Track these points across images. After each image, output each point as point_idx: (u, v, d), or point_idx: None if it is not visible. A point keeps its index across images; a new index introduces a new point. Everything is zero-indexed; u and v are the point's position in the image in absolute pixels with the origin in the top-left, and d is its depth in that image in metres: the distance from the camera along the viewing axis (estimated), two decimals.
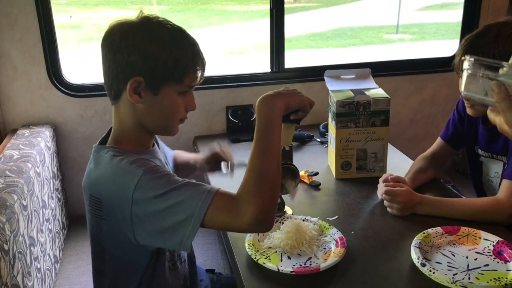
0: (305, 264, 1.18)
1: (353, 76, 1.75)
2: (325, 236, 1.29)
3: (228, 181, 1.62)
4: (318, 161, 1.80)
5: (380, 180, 1.49)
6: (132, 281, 1.14)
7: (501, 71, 0.91)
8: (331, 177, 1.67)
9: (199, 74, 1.10)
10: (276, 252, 1.22)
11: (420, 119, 2.56)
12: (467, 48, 1.32)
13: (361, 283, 1.13)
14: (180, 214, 0.98)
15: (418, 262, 1.14)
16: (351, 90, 1.62)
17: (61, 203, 2.01)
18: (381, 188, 1.46)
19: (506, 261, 1.17)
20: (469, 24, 2.42)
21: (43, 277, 1.55)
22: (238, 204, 0.98)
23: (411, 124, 2.56)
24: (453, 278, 1.10)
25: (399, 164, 1.72)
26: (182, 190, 0.99)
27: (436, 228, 1.28)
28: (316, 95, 2.12)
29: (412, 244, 1.21)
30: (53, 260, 1.73)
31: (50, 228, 1.74)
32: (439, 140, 1.68)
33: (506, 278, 1.11)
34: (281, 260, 1.19)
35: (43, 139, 1.88)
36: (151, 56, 1.04)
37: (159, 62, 1.04)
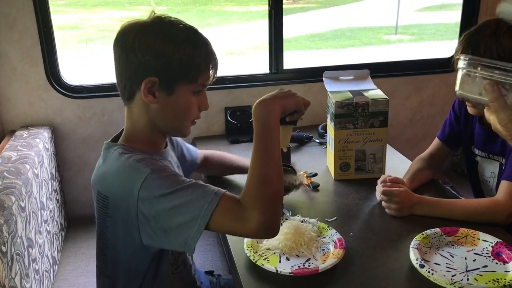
0: (303, 265, 1.17)
1: (351, 77, 1.75)
2: (324, 237, 1.29)
3: (232, 178, 1.62)
4: (317, 162, 1.80)
5: (379, 181, 1.49)
6: (133, 282, 1.14)
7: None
8: (330, 178, 1.67)
9: (212, 72, 1.11)
10: (274, 253, 1.22)
11: (419, 120, 2.56)
12: (466, 43, 1.32)
13: (359, 284, 1.13)
14: (186, 214, 0.97)
15: (417, 263, 1.14)
16: (350, 91, 1.62)
17: (60, 204, 2.01)
18: (379, 189, 1.46)
19: (504, 262, 1.17)
20: (468, 25, 2.42)
21: (41, 279, 1.55)
22: (243, 210, 0.98)
23: (410, 125, 2.56)
24: (451, 279, 1.10)
25: (398, 165, 1.72)
26: (189, 191, 0.99)
27: (434, 229, 1.28)
28: (314, 96, 2.13)
29: (411, 245, 1.21)
30: (51, 262, 1.72)
31: (48, 229, 1.73)
32: (436, 141, 1.68)
33: (505, 279, 1.11)
34: (280, 262, 1.19)
35: (42, 140, 1.88)
36: (165, 55, 1.04)
37: (173, 61, 1.04)
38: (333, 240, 1.26)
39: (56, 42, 2.04)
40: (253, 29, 8.53)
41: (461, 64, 0.97)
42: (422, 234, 1.26)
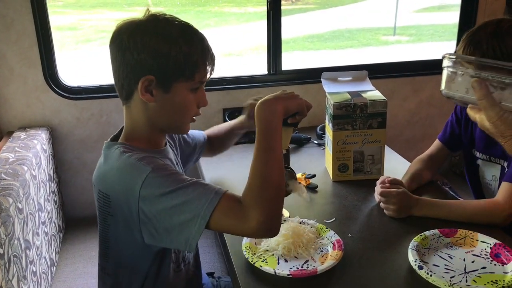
0: (302, 267, 1.17)
1: (350, 78, 1.75)
2: (322, 238, 1.28)
3: (231, 179, 1.62)
4: (315, 163, 1.80)
5: (377, 182, 1.48)
6: (135, 281, 1.14)
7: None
8: (328, 179, 1.67)
9: (209, 69, 1.11)
10: (273, 255, 1.21)
11: (417, 121, 2.56)
12: (468, 41, 1.32)
13: (358, 286, 1.13)
14: (186, 213, 0.97)
15: (416, 264, 1.14)
16: (348, 92, 1.62)
17: (58, 206, 2.00)
18: (378, 190, 1.46)
19: (503, 263, 1.17)
20: (466, 26, 2.42)
21: (39, 281, 1.54)
22: (244, 209, 0.98)
23: (408, 126, 2.56)
24: (450, 280, 1.10)
25: (396, 166, 1.72)
26: (190, 189, 0.99)
27: (433, 230, 1.28)
28: (313, 97, 2.12)
29: (410, 247, 1.21)
30: (49, 263, 1.72)
31: (46, 231, 1.73)
32: (436, 142, 1.68)
33: (504, 280, 1.11)
34: (278, 263, 1.18)
35: (39, 141, 1.87)
36: (160, 53, 1.04)
37: (169, 59, 1.04)
38: (331, 242, 1.25)
39: (54, 43, 2.03)
40: (251, 30, 8.53)
41: (446, 62, 0.96)
42: (421, 235, 1.26)
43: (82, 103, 2.11)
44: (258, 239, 1.27)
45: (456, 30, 2.53)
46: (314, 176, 1.65)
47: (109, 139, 1.16)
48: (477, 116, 0.95)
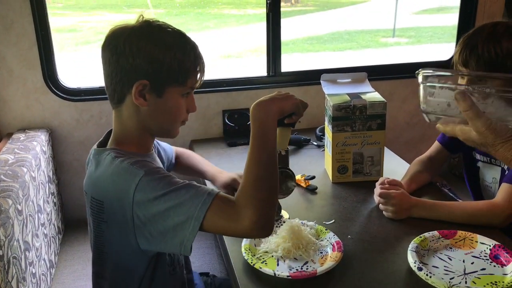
0: (301, 268, 1.17)
1: (349, 80, 1.75)
2: (322, 240, 1.28)
3: None
4: (315, 164, 1.80)
5: (377, 184, 1.49)
6: (131, 285, 1.14)
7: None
8: (328, 181, 1.67)
9: (199, 76, 1.13)
10: (272, 256, 1.21)
11: (416, 123, 2.56)
12: (464, 44, 1.33)
13: (358, 287, 1.13)
14: (180, 215, 0.98)
15: (415, 266, 1.14)
16: (348, 94, 1.62)
17: (57, 207, 2.00)
18: (377, 191, 1.46)
19: (502, 265, 1.17)
20: (465, 28, 2.42)
21: (38, 282, 1.54)
22: (237, 209, 0.99)
23: (407, 128, 2.56)
24: (449, 282, 1.10)
25: (395, 167, 1.72)
26: (183, 191, 1.00)
27: (432, 232, 1.28)
28: (312, 99, 2.13)
29: (409, 248, 1.21)
30: (48, 265, 1.72)
31: (45, 232, 1.73)
32: (436, 144, 1.68)
33: (503, 282, 1.11)
34: (278, 265, 1.18)
35: (39, 143, 1.87)
36: (156, 59, 1.06)
37: (164, 65, 1.06)
38: (331, 243, 1.25)
39: (53, 45, 2.04)
40: (251, 32, 8.54)
41: (421, 78, 0.95)
42: (420, 236, 1.26)
43: (82, 104, 2.11)
44: (258, 240, 1.27)
45: (455, 32, 2.53)
46: (313, 177, 1.65)
47: (96, 146, 1.17)
48: (457, 129, 0.93)
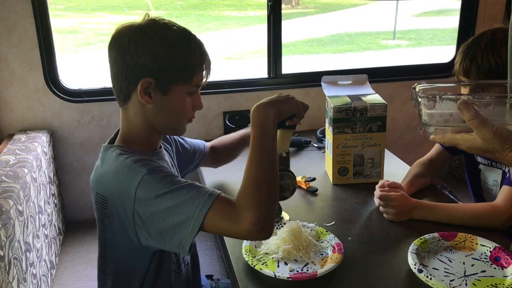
0: (302, 270, 1.17)
1: (350, 81, 1.75)
2: (322, 242, 1.28)
3: (232, 182, 1.62)
4: (315, 166, 1.80)
5: (377, 186, 1.49)
6: (134, 282, 1.14)
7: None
8: (328, 182, 1.67)
9: (205, 73, 1.14)
10: (273, 258, 1.22)
11: (417, 125, 2.55)
12: (464, 54, 1.34)
13: None
14: (180, 215, 0.98)
15: (415, 268, 1.14)
16: (348, 95, 1.62)
17: (58, 208, 2.00)
18: (377, 194, 1.46)
19: (503, 267, 1.17)
20: (466, 30, 2.43)
21: (39, 283, 1.54)
22: (237, 211, 0.99)
23: (408, 130, 2.56)
24: (450, 284, 1.10)
25: (396, 169, 1.72)
26: (184, 191, 1.00)
27: (433, 233, 1.28)
28: (313, 101, 2.13)
29: (409, 250, 1.21)
30: (49, 266, 1.72)
31: (46, 233, 1.73)
32: (437, 146, 1.68)
33: (503, 284, 1.11)
34: (278, 266, 1.19)
35: (40, 144, 1.87)
36: (160, 56, 1.06)
37: (169, 62, 1.07)
38: (331, 245, 1.26)
39: (55, 46, 2.04)
40: (251, 34, 8.54)
41: (420, 93, 0.96)
42: (420, 238, 1.26)
43: (83, 105, 2.11)
44: (258, 242, 1.27)
45: (455, 34, 2.53)
46: (314, 179, 1.65)
47: (106, 142, 1.17)
48: (458, 138, 0.94)
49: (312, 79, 2.28)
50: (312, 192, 1.59)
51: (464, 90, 1.30)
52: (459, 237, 1.27)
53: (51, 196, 1.90)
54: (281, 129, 1.17)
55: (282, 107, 1.09)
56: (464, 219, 1.35)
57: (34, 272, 1.50)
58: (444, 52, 7.92)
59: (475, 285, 1.11)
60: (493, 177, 1.53)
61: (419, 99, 0.94)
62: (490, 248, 1.23)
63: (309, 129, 2.12)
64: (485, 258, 1.21)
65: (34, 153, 1.77)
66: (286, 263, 1.20)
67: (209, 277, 1.57)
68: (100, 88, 2.15)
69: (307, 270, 1.17)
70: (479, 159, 1.56)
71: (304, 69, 2.54)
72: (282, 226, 1.31)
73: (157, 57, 1.06)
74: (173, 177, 1.04)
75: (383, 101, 1.58)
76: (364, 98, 1.60)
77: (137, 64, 1.06)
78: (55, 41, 2.04)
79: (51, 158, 2.01)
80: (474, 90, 1.25)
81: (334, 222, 1.41)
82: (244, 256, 1.20)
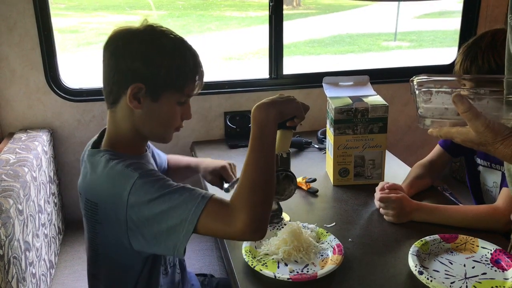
0: (302, 271, 1.17)
1: (351, 83, 1.75)
2: (323, 243, 1.28)
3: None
4: (316, 167, 1.80)
5: (377, 188, 1.48)
6: (127, 285, 1.14)
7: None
8: (329, 183, 1.66)
9: (197, 84, 1.13)
10: (273, 259, 1.21)
11: (418, 126, 2.55)
12: (464, 55, 1.34)
13: None
14: (174, 218, 0.98)
15: (416, 270, 1.14)
16: (349, 97, 1.62)
17: (58, 207, 2.00)
18: (378, 195, 1.46)
19: (503, 269, 1.17)
20: (467, 32, 2.43)
21: (38, 283, 1.54)
22: (231, 211, 0.99)
23: (409, 131, 2.56)
24: (450, 286, 1.10)
25: (397, 171, 1.72)
26: (177, 194, 0.99)
27: (433, 235, 1.28)
28: (314, 102, 2.13)
29: (410, 252, 1.21)
30: (48, 265, 1.72)
31: (46, 233, 1.73)
32: (437, 148, 1.68)
33: (504, 286, 1.10)
34: (278, 267, 1.18)
35: (40, 143, 1.87)
36: (154, 64, 1.06)
37: (162, 70, 1.06)
38: (331, 246, 1.25)
39: (56, 45, 2.04)
40: (252, 34, 8.54)
41: (417, 85, 0.97)
42: (421, 240, 1.25)
43: (84, 105, 2.11)
44: (258, 243, 1.27)
45: (457, 36, 2.53)
46: (314, 180, 1.65)
47: (90, 146, 1.16)
48: (453, 131, 0.95)
49: (313, 80, 2.28)
50: (313, 193, 1.59)
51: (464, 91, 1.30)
52: (460, 239, 1.27)
53: (51, 196, 1.90)
54: (282, 129, 1.17)
55: (283, 108, 1.09)
56: (464, 221, 1.35)
57: (34, 272, 1.50)
58: (445, 53, 7.92)
59: (475, 287, 1.10)
60: (492, 178, 1.53)
61: (416, 92, 0.95)
62: (491, 250, 1.22)
63: (310, 130, 2.12)
64: (485, 261, 1.21)
65: (34, 152, 1.76)
66: (286, 264, 1.20)
67: (203, 275, 1.57)
68: (101, 88, 2.15)
69: (307, 271, 1.17)
70: (478, 160, 1.56)
71: (305, 70, 2.53)
72: (282, 227, 1.31)
73: (150, 64, 1.06)
74: (164, 180, 1.03)
75: (385, 102, 1.58)
76: (365, 99, 1.60)
77: (129, 69, 1.06)
78: (56, 41, 2.04)
79: (52, 157, 2.01)
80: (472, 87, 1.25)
81: (334, 223, 1.41)
82: (244, 256, 1.20)
